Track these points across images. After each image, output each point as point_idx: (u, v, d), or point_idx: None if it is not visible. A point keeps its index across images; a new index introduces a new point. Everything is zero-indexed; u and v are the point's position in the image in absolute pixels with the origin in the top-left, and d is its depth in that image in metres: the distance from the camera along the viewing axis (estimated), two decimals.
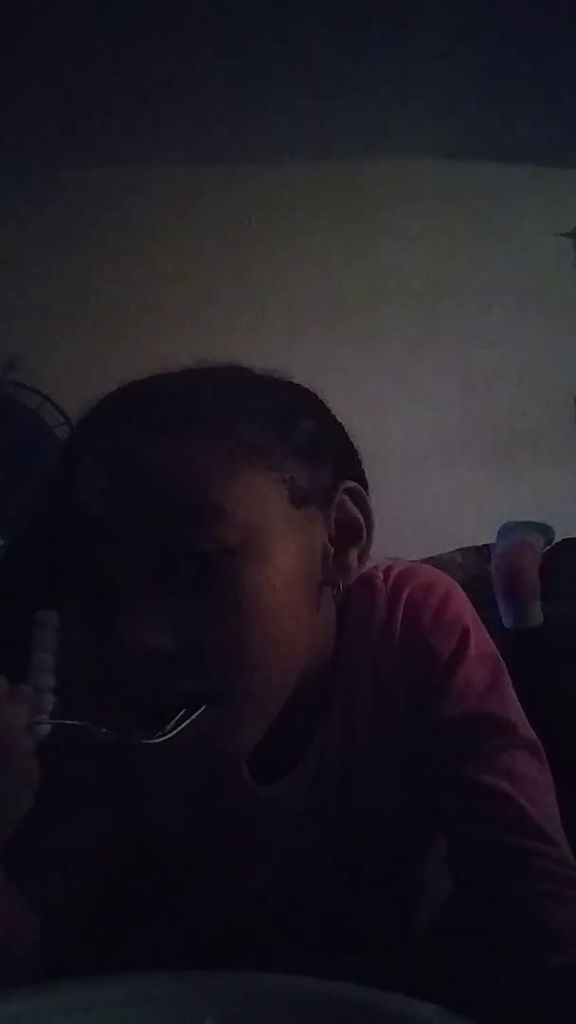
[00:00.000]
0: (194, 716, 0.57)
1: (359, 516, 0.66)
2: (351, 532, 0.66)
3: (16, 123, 3.40)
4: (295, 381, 0.70)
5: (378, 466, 0.72)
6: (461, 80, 3.21)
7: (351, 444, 0.71)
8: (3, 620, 0.61)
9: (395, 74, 3.21)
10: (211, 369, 0.67)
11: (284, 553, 0.59)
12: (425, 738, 0.66)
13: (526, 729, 0.66)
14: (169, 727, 0.57)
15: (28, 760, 0.55)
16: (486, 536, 2.35)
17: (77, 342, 3.71)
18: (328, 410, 0.70)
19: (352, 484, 0.67)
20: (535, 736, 0.66)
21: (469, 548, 2.34)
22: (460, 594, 0.72)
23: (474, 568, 2.23)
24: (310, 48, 3.08)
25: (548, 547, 2.28)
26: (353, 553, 0.66)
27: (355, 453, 0.71)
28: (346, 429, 0.71)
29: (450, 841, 0.66)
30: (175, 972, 0.52)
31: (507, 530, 2.50)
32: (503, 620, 2.24)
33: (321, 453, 0.65)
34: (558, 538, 2.33)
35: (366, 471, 0.71)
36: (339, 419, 0.71)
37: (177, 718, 0.57)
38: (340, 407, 0.72)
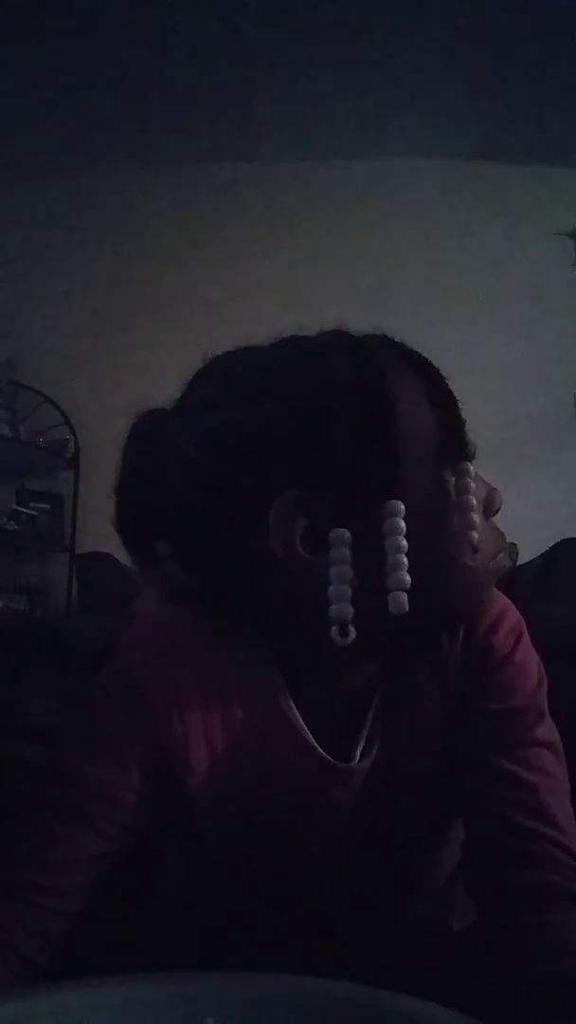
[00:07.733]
0: None
1: None
2: None
3: (17, 123, 3.40)
4: None
5: None
6: (461, 80, 3.21)
7: None
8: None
9: (395, 74, 3.21)
10: None
11: None
12: (466, 727, 0.68)
13: (553, 730, 0.68)
14: None
15: None
16: None
17: (77, 342, 3.72)
18: None
19: None
20: (559, 738, 0.68)
21: None
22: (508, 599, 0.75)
23: None
24: (311, 49, 3.09)
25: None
26: None
27: None
28: None
29: (469, 825, 0.68)
30: (175, 972, 0.52)
31: None
32: None
33: None
34: (558, 538, 2.33)
35: None
36: None
37: None
38: None
